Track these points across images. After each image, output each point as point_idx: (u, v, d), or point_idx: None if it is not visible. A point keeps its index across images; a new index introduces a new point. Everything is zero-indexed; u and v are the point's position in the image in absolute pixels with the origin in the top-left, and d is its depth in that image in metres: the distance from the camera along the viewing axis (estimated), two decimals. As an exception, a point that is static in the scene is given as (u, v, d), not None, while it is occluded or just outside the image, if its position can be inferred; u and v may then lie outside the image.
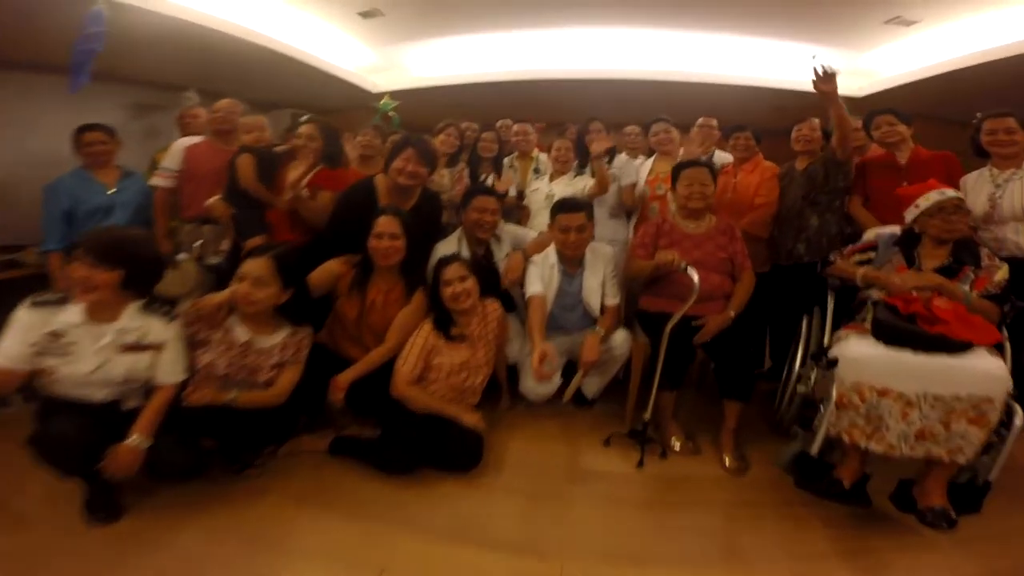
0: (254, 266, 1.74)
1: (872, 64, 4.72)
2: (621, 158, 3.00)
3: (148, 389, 1.64)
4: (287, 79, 5.44)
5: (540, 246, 2.41)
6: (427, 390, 2.02)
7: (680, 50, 4.66)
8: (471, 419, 1.98)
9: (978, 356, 1.56)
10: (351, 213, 2.21)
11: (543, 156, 3.18)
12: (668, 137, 2.98)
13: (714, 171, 2.36)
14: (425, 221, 2.34)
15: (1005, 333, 1.76)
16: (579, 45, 4.74)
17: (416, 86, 5.45)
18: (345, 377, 1.95)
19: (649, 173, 2.95)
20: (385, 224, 2.07)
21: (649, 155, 3.12)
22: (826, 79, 2.16)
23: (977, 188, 2.26)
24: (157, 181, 2.66)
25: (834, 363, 1.69)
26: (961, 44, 3.92)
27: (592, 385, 2.48)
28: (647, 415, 2.12)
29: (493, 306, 2.23)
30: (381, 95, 4.80)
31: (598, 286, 2.35)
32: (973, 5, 3.63)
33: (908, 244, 1.97)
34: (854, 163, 2.55)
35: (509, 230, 2.60)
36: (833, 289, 2.13)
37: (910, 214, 1.97)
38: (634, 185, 2.93)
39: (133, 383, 1.61)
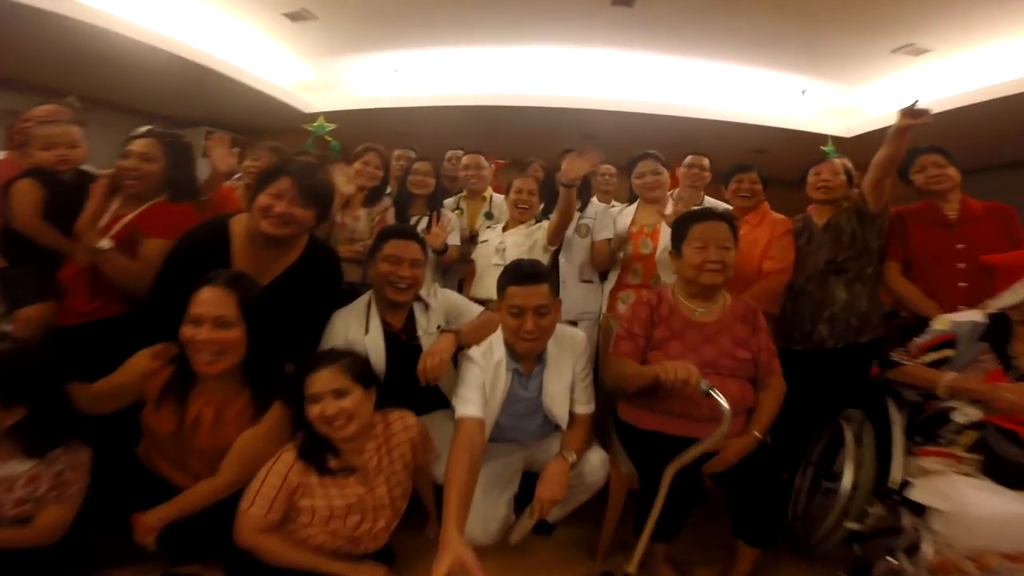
0: None
1: (862, 101, 4.38)
2: (596, 205, 2.39)
3: None
4: (203, 92, 4.72)
5: (483, 330, 1.68)
6: (296, 536, 1.34)
7: (663, 78, 4.24)
8: None
9: None
10: (187, 273, 1.40)
11: (498, 198, 2.66)
12: (658, 181, 2.38)
13: (735, 228, 1.67)
14: (306, 291, 1.57)
15: None
16: (542, 67, 4.31)
17: (357, 107, 4.82)
18: (154, 517, 1.34)
19: (631, 225, 2.36)
20: (209, 303, 1.29)
21: (627, 201, 2.57)
22: (915, 113, 1.76)
23: None
24: None
25: (919, 508, 1.33)
26: (968, 78, 3.54)
27: (554, 509, 1.74)
28: (631, 568, 1.51)
29: (403, 422, 1.46)
30: (315, 116, 4.08)
31: (564, 390, 1.63)
32: (1001, 30, 3.21)
33: (1000, 338, 1.53)
34: (888, 216, 2.07)
35: (445, 297, 1.85)
36: (907, 405, 1.57)
37: (1015, 295, 1.52)
38: (610, 241, 2.34)
39: None
